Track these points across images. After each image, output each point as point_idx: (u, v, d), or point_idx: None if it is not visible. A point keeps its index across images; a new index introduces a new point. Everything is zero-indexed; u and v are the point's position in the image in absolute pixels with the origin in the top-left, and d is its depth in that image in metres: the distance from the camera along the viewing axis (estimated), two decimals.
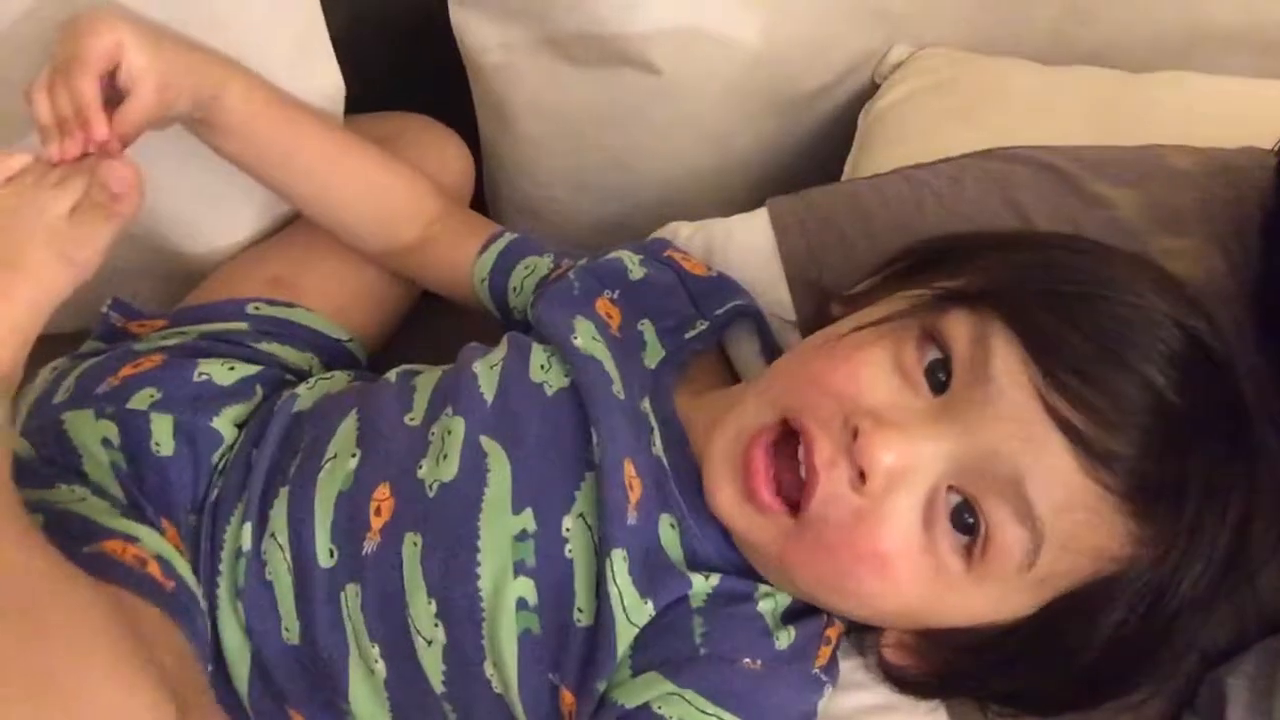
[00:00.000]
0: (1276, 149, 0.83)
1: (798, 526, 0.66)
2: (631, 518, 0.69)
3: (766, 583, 0.72)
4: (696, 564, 0.71)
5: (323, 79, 0.90)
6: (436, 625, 0.70)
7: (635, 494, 0.70)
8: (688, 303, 0.83)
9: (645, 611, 0.68)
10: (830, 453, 0.65)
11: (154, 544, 0.73)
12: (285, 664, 0.74)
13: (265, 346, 0.89)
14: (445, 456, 0.73)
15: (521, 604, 0.69)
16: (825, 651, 0.71)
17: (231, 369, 0.84)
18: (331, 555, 0.73)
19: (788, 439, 0.67)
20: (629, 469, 0.70)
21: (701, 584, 0.70)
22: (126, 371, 0.82)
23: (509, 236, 0.90)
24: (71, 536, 0.60)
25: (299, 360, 0.91)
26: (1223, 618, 0.72)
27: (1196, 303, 0.68)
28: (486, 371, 0.77)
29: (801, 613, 0.72)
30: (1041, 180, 0.88)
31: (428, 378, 0.80)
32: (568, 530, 0.70)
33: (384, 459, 0.75)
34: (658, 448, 0.73)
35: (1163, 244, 0.82)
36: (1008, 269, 0.69)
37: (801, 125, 1.12)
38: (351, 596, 0.72)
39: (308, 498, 0.75)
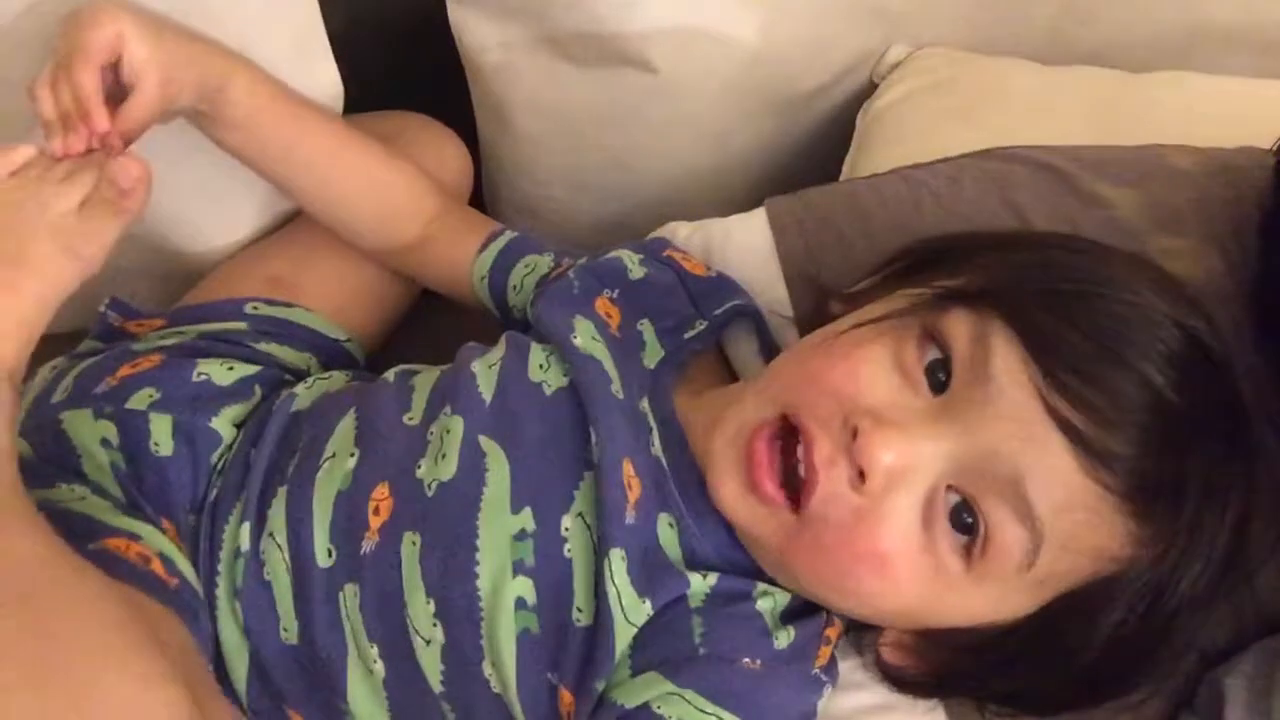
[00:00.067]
0: (1275, 149, 0.84)
1: (798, 524, 0.66)
2: (630, 517, 0.69)
3: (766, 581, 0.72)
4: (695, 563, 0.71)
5: (320, 79, 0.90)
6: (435, 625, 0.70)
7: (634, 494, 0.70)
8: (687, 303, 0.83)
9: (643, 611, 0.68)
10: (830, 451, 0.65)
11: (156, 542, 0.73)
12: (283, 664, 0.74)
13: (264, 346, 0.89)
14: (444, 456, 0.73)
15: (520, 603, 0.69)
16: (825, 651, 0.71)
17: (230, 369, 0.84)
18: (330, 555, 0.73)
19: (788, 435, 0.67)
20: (628, 469, 0.70)
21: (700, 583, 0.70)
22: (125, 371, 0.82)
23: (509, 235, 0.90)
24: (74, 535, 0.60)
25: (297, 360, 0.91)
26: (1221, 618, 0.72)
27: (1195, 302, 0.68)
28: (485, 371, 0.77)
29: (801, 612, 0.72)
30: (1040, 180, 0.88)
31: (426, 377, 0.80)
32: (566, 530, 0.70)
33: (382, 459, 0.75)
34: (656, 447, 0.73)
35: (1161, 244, 0.83)
36: (1006, 268, 0.69)
37: (800, 125, 1.12)
38: (350, 596, 0.72)
39: (306, 497, 0.75)
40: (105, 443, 0.78)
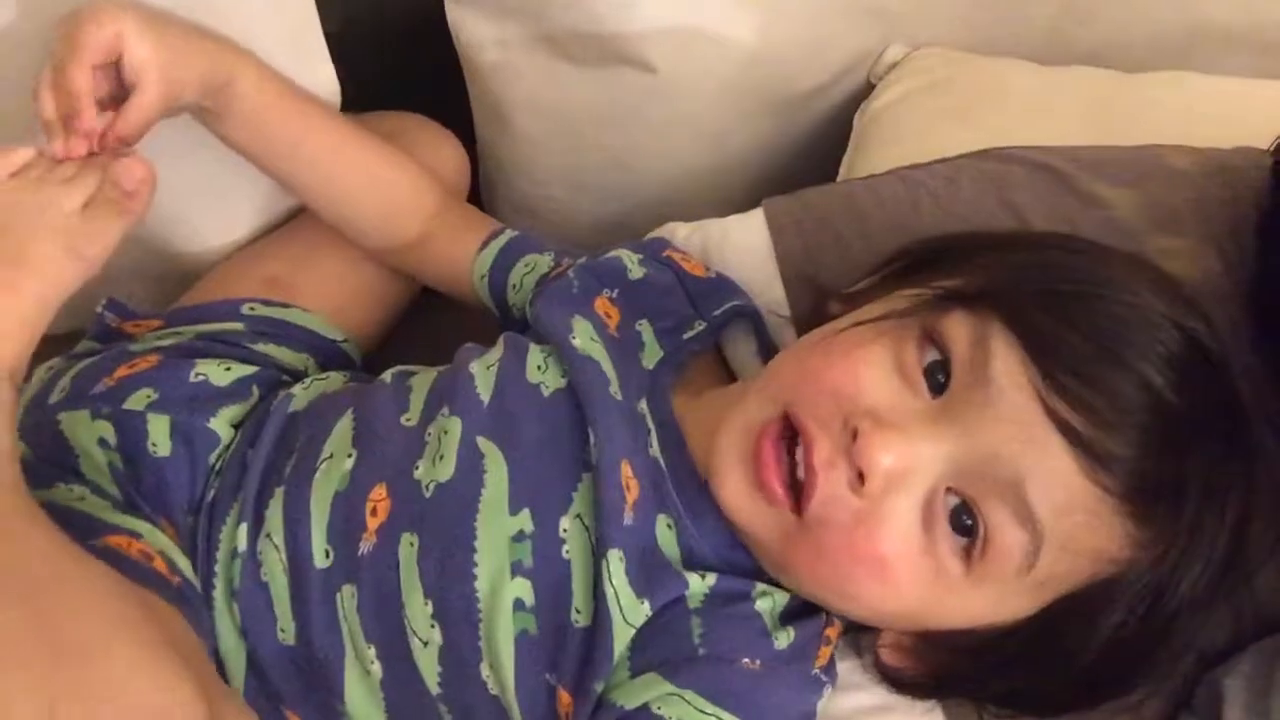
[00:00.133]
0: (1273, 149, 0.84)
1: (799, 527, 0.66)
2: (628, 518, 0.69)
3: (765, 582, 0.72)
4: (693, 564, 0.71)
5: (318, 79, 0.90)
6: (433, 626, 0.70)
7: (632, 495, 0.70)
8: (686, 303, 0.83)
9: (642, 612, 0.68)
10: (829, 453, 0.65)
11: (156, 540, 0.73)
12: (281, 664, 0.74)
13: (261, 347, 0.89)
14: (442, 457, 0.73)
15: (519, 605, 0.69)
16: (825, 652, 0.71)
17: (228, 369, 0.84)
18: (327, 556, 0.73)
19: (789, 436, 0.67)
20: (626, 470, 0.70)
21: (699, 584, 0.70)
22: (122, 372, 0.82)
23: (510, 233, 0.90)
24: (75, 533, 0.60)
25: (294, 361, 0.90)
26: (1220, 619, 0.73)
27: (1193, 303, 0.68)
28: (483, 372, 0.77)
29: (800, 613, 0.72)
30: (1038, 180, 0.88)
31: (424, 378, 0.80)
32: (565, 531, 0.70)
33: (380, 459, 0.75)
34: (655, 449, 0.73)
35: (1159, 244, 0.83)
36: (1005, 269, 0.69)
37: (797, 125, 1.12)
38: (347, 597, 0.72)
39: (303, 498, 0.74)
40: (103, 443, 0.78)
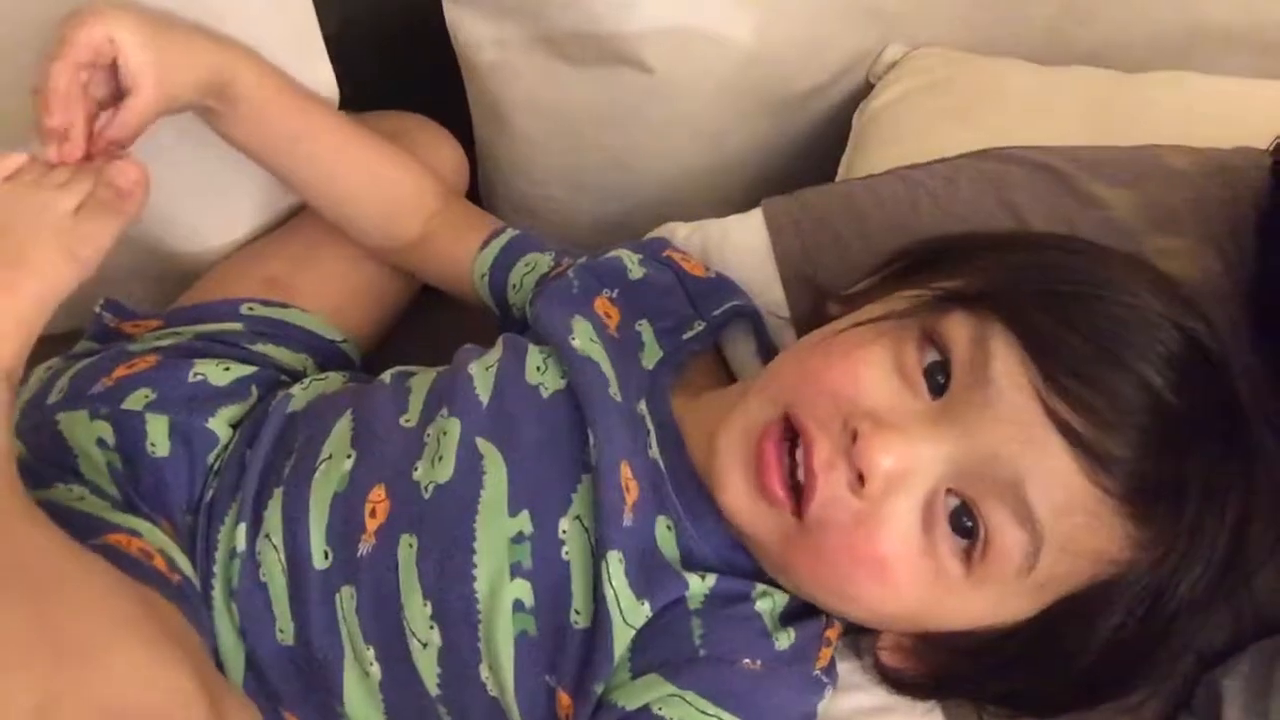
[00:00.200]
0: (1272, 149, 0.84)
1: (799, 529, 0.66)
2: (628, 520, 0.69)
3: (765, 582, 0.72)
4: (692, 564, 0.71)
5: (316, 80, 0.89)
6: (432, 627, 0.70)
7: (631, 496, 0.70)
8: (686, 303, 0.83)
9: (642, 613, 0.68)
10: (829, 454, 0.65)
11: (156, 539, 0.73)
12: (280, 665, 0.74)
13: (260, 347, 0.89)
14: (441, 458, 0.73)
15: (518, 606, 0.69)
16: (825, 653, 0.71)
17: (226, 369, 0.83)
18: (326, 557, 0.73)
19: (790, 437, 0.67)
20: (625, 471, 0.70)
21: (699, 585, 0.70)
22: (121, 372, 0.82)
23: (511, 233, 0.90)
24: (74, 532, 0.60)
25: (293, 361, 0.90)
26: (1220, 620, 0.72)
27: (1193, 303, 0.68)
28: (482, 373, 0.77)
29: (800, 614, 0.72)
30: (1037, 180, 0.88)
31: (423, 379, 0.80)
32: (564, 532, 0.70)
33: (379, 460, 0.74)
34: (654, 450, 0.73)
35: (1158, 244, 0.83)
36: (1004, 270, 0.69)
37: (796, 125, 1.12)
38: (346, 598, 0.72)
39: (302, 498, 0.74)
40: (101, 443, 0.78)
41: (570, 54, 0.98)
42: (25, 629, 0.52)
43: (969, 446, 0.63)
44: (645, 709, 0.66)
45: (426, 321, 1.04)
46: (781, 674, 0.69)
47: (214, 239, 0.97)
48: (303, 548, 0.73)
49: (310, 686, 0.74)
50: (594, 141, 1.06)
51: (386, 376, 0.82)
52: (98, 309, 0.91)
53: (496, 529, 0.70)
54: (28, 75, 0.73)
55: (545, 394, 0.75)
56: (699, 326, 0.81)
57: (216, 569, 0.75)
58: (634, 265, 0.84)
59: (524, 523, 0.70)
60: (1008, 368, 0.63)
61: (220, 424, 0.80)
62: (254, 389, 0.84)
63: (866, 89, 1.09)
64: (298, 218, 0.98)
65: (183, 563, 0.74)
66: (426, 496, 0.72)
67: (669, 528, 0.71)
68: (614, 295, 0.82)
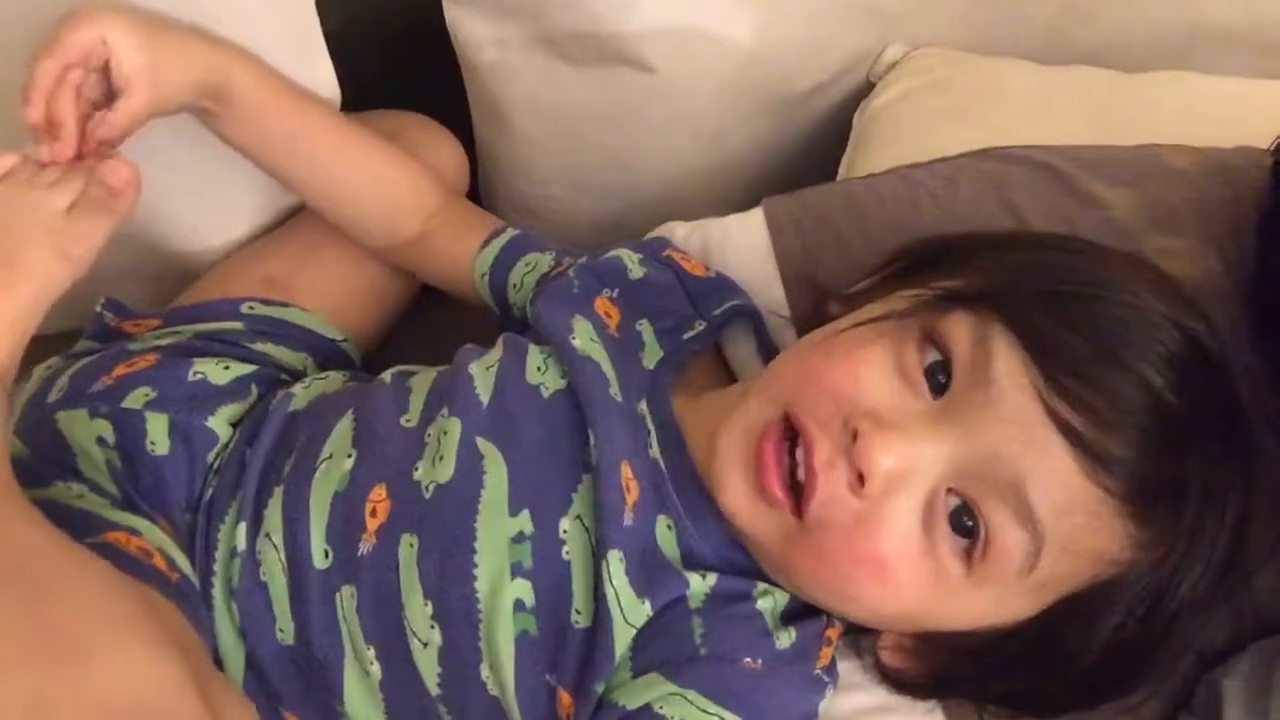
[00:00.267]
0: (1273, 149, 0.84)
1: (799, 529, 0.66)
2: (628, 519, 0.69)
3: (765, 581, 0.72)
4: (693, 564, 0.71)
5: (317, 79, 0.89)
6: (433, 627, 0.70)
7: (632, 496, 0.70)
8: (686, 303, 0.83)
9: (643, 612, 0.68)
10: (829, 454, 0.65)
11: (155, 537, 0.73)
12: (280, 665, 0.74)
13: (260, 346, 0.89)
14: (441, 458, 0.73)
15: (519, 605, 0.69)
16: (826, 652, 0.71)
17: (226, 368, 0.83)
18: (326, 556, 0.73)
19: (790, 436, 0.67)
20: (626, 471, 0.70)
21: (699, 584, 0.70)
22: (120, 371, 0.82)
23: (511, 232, 0.90)
24: (73, 530, 0.59)
25: (293, 360, 0.90)
26: (1220, 619, 0.72)
27: (1193, 303, 0.68)
28: (482, 373, 0.77)
29: (801, 613, 0.72)
30: (1037, 180, 0.88)
31: (423, 379, 0.80)
32: (565, 532, 0.70)
33: (380, 460, 0.74)
34: (655, 449, 0.73)
35: (1158, 244, 0.83)
36: (1004, 270, 0.69)
37: (796, 125, 1.12)
38: (347, 598, 0.72)
39: (303, 498, 0.74)
40: (101, 441, 0.78)
41: (570, 54, 0.98)
42: (19, 627, 0.52)
43: (970, 446, 0.63)
44: (646, 708, 0.66)
45: (426, 321, 1.04)
46: (782, 673, 0.69)
47: (214, 238, 0.97)
48: (303, 547, 0.73)
49: (310, 686, 0.74)
50: (594, 141, 1.06)
51: (387, 376, 0.82)
52: (98, 308, 0.91)
53: (497, 529, 0.70)
54: (24, 77, 0.73)
55: (546, 394, 0.75)
56: (699, 326, 0.81)
57: (216, 568, 0.75)
58: (634, 265, 0.84)
59: (524, 522, 0.70)
60: (1009, 368, 0.63)
61: (220, 422, 0.80)
62: (254, 388, 0.84)
63: (867, 88, 1.09)
64: (297, 217, 0.98)
65: (182, 561, 0.74)
66: (427, 496, 0.72)
67: (669, 527, 0.71)
68: (614, 295, 0.82)
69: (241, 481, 0.77)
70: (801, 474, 0.65)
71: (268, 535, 0.74)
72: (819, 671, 0.70)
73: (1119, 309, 0.65)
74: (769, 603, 0.71)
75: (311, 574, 0.73)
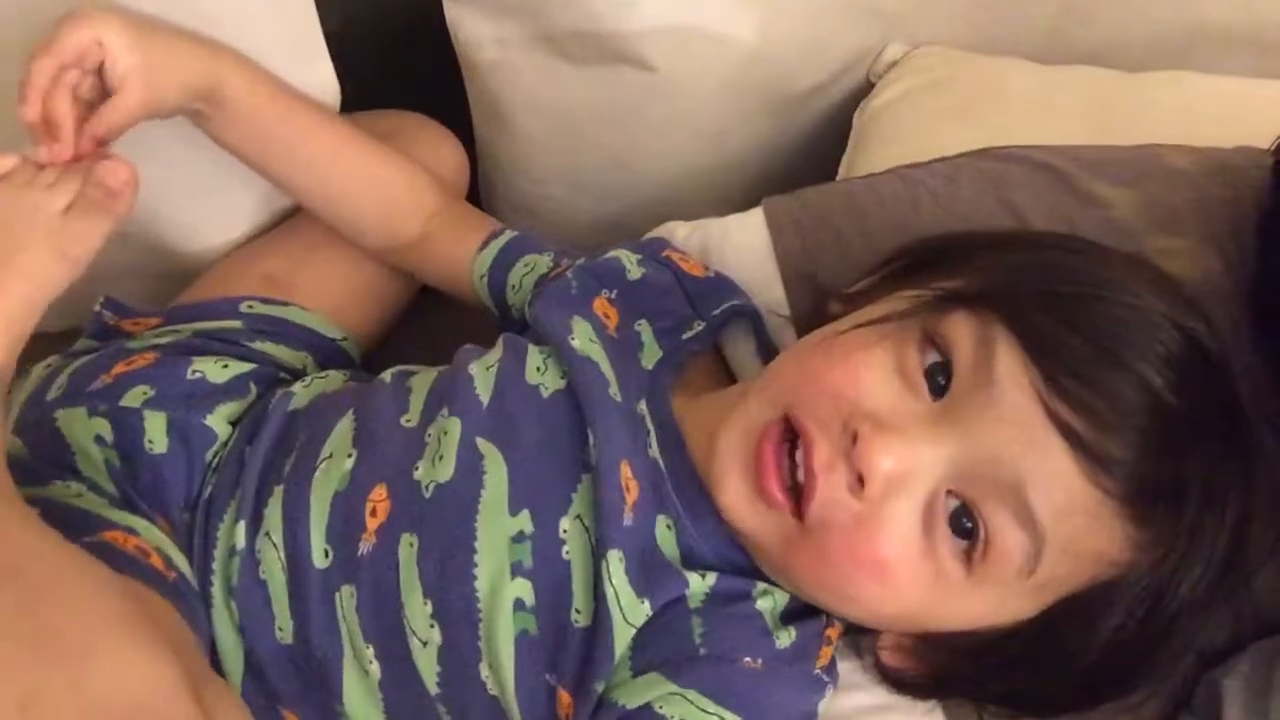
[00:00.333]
0: (1273, 149, 0.83)
1: (799, 530, 0.66)
2: (628, 519, 0.69)
3: (764, 580, 0.72)
4: (692, 563, 0.71)
5: (317, 78, 0.89)
6: (432, 626, 0.70)
7: (632, 496, 0.70)
8: (685, 303, 0.83)
9: (642, 611, 0.68)
10: (829, 456, 0.65)
11: (153, 537, 0.73)
12: (279, 664, 0.74)
13: (259, 345, 0.89)
14: (441, 458, 0.73)
15: (519, 605, 0.69)
16: (826, 652, 0.71)
17: (225, 367, 0.83)
18: (326, 556, 0.73)
19: (790, 438, 0.67)
20: (625, 471, 0.70)
21: (699, 583, 0.70)
22: (119, 369, 0.82)
23: (510, 233, 0.90)
24: (71, 529, 0.60)
25: (293, 359, 0.90)
26: (1220, 620, 0.72)
27: (1193, 303, 0.68)
28: (482, 373, 0.77)
29: (801, 613, 0.72)
30: (1037, 180, 0.88)
31: (423, 379, 0.80)
32: (565, 532, 0.70)
33: (380, 460, 0.74)
34: (654, 449, 0.73)
35: (1159, 243, 0.83)
36: (1004, 270, 0.69)
37: (797, 124, 1.12)
38: (346, 597, 0.72)
39: (303, 497, 0.74)
40: (100, 440, 0.78)
41: (571, 53, 0.98)
42: (15, 629, 0.52)
43: (970, 448, 0.63)
44: (646, 707, 0.66)
45: (426, 321, 1.04)
46: (782, 672, 0.69)
47: (213, 237, 0.97)
48: (303, 546, 0.73)
49: (309, 685, 0.74)
50: (594, 141, 1.06)
51: (387, 376, 0.82)
52: (97, 307, 0.91)
53: (497, 528, 0.70)
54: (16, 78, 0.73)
55: (545, 394, 0.75)
56: (698, 326, 0.81)
57: (215, 566, 0.75)
58: (632, 265, 0.84)
59: (524, 522, 0.70)
60: (1009, 369, 0.63)
61: (219, 421, 0.80)
62: (253, 386, 0.84)
63: (867, 88, 1.09)
64: (297, 216, 0.98)
65: (179, 560, 0.74)
66: (427, 496, 0.72)
67: (669, 527, 0.71)
68: (613, 296, 0.82)
69: (241, 480, 0.77)
70: (801, 475, 0.65)
71: (267, 534, 0.74)
72: (819, 671, 0.70)
73: (1119, 309, 0.64)
74: (769, 602, 0.71)
75: (311, 573, 0.73)
